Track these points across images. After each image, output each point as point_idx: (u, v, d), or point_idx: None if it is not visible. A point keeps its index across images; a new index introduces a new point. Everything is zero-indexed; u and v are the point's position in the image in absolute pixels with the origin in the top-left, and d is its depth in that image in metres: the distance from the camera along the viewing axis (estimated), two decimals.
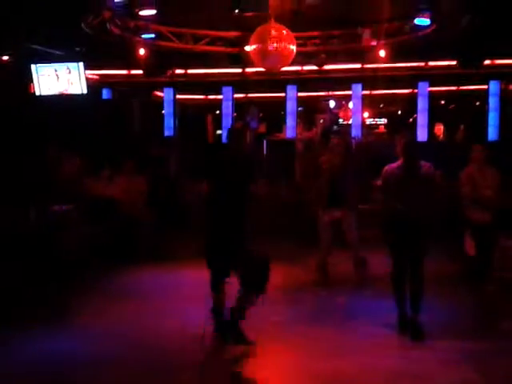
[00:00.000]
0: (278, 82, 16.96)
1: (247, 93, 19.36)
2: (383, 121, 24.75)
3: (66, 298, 6.94)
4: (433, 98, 17.83)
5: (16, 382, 4.73)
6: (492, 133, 16.76)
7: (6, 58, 17.72)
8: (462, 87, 18.53)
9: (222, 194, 5.53)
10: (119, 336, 5.75)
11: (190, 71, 16.88)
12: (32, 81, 15.05)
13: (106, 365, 5.03)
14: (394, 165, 5.97)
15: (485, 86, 17.18)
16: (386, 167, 6.03)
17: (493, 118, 16.93)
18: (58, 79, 14.81)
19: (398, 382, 4.69)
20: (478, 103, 20.08)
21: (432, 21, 11.80)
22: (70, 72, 14.58)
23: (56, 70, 14.77)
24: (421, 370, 4.87)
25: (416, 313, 5.72)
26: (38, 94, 15.04)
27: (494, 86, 16.97)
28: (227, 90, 17.85)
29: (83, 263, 7.96)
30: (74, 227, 7.90)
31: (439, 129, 20.97)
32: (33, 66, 14.89)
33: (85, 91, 14.50)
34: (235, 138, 5.78)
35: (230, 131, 5.95)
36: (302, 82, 17.22)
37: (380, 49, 13.47)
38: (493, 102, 16.99)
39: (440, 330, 5.81)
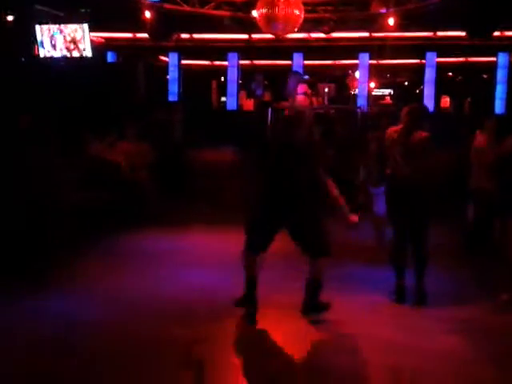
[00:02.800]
0: (285, 49, 16.79)
1: (253, 60, 19.20)
2: (389, 91, 24.61)
3: (67, 261, 6.95)
4: (440, 69, 17.67)
5: (16, 339, 4.76)
6: (499, 106, 16.63)
7: (10, 18, 17.58)
8: (470, 59, 18.35)
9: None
10: (120, 299, 5.78)
11: (195, 36, 16.70)
12: (36, 42, 14.92)
13: (106, 328, 5.05)
14: (394, 128, 5.90)
15: (493, 58, 17.00)
16: (388, 130, 5.96)
17: (500, 91, 16.79)
18: (63, 41, 14.68)
19: (392, 351, 4.71)
20: (485, 76, 19.91)
21: None
22: (74, 34, 14.45)
23: (61, 32, 14.64)
24: (414, 340, 4.90)
25: (420, 279, 5.75)
26: (42, 55, 14.93)
27: (502, 58, 16.80)
28: (233, 56, 17.70)
29: (83, 226, 7.94)
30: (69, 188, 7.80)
31: (446, 101, 20.84)
32: (37, 27, 14.75)
33: (89, 54, 14.39)
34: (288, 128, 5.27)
35: (280, 120, 5.62)
36: (309, 49, 17.05)
37: (389, 17, 13.28)
38: (501, 75, 16.83)
39: (437, 300, 5.82)
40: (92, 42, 14.53)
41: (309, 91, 6.56)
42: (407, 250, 5.84)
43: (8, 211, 6.76)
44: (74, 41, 14.59)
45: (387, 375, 4.43)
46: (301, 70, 17.21)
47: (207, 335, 4.89)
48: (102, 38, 16.79)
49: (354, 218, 5.25)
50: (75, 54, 14.52)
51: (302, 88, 6.50)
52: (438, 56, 17.08)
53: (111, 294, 5.89)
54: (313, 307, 5.28)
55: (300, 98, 6.38)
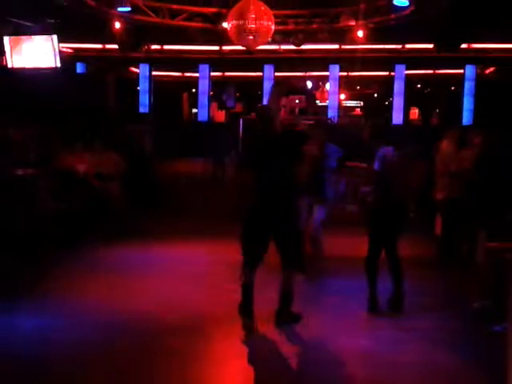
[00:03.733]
0: (256, 60, 16.85)
1: (224, 71, 19.23)
2: (359, 103, 24.83)
3: (32, 273, 6.79)
4: (409, 81, 17.90)
5: None
6: (467, 117, 16.89)
7: None
8: (438, 71, 18.63)
9: (267, 176, 5.23)
10: (88, 312, 5.67)
11: (166, 47, 16.66)
12: (4, 53, 14.72)
13: (81, 345, 4.95)
14: (390, 150, 5.93)
15: (461, 71, 17.28)
16: (385, 153, 5.96)
17: (468, 103, 17.06)
18: (31, 52, 14.51)
19: (366, 363, 4.70)
20: (453, 88, 20.22)
21: (410, 2, 11.78)
22: (43, 45, 14.29)
23: (29, 43, 14.47)
24: (390, 351, 4.89)
25: (398, 286, 5.84)
26: (9, 66, 14.72)
27: (469, 71, 17.09)
28: (204, 67, 17.70)
29: (48, 238, 7.78)
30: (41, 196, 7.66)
31: (414, 112, 21.10)
32: (5, 38, 14.54)
33: (58, 64, 14.22)
34: (267, 118, 5.55)
35: (260, 111, 5.75)
36: (280, 61, 17.14)
37: (358, 29, 13.43)
38: (468, 87, 17.12)
39: (411, 310, 5.85)
40: (61, 52, 14.38)
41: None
42: (378, 262, 5.92)
43: None
44: (43, 52, 14.42)
45: None
46: (272, 82, 17.31)
47: (185, 348, 4.83)
48: (71, 48, 16.66)
49: None
50: (44, 64, 14.34)
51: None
52: (407, 68, 17.31)
53: (82, 309, 5.77)
54: (284, 318, 5.29)
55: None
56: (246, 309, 5.23)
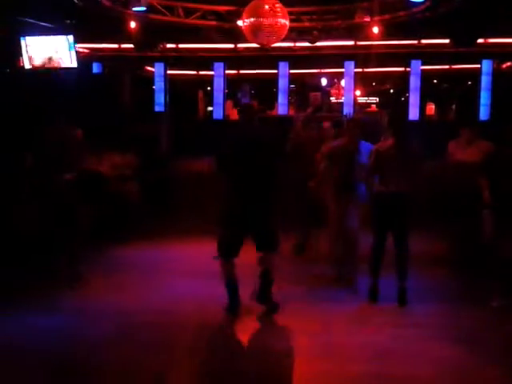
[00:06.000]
0: (271, 58, 16.82)
1: (239, 69, 19.21)
2: (375, 99, 24.71)
3: (54, 273, 6.88)
4: (425, 76, 17.77)
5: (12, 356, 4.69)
6: (484, 112, 16.74)
7: None
8: (454, 66, 18.48)
9: (244, 176, 5.44)
10: (112, 313, 5.73)
11: (181, 46, 16.69)
12: (21, 54, 14.84)
13: (98, 340, 5.01)
14: (385, 143, 6.02)
15: (477, 65, 17.12)
16: (377, 146, 6.08)
17: (485, 98, 16.90)
18: (48, 52, 14.62)
19: (383, 359, 4.70)
20: (470, 83, 20.05)
21: None
22: (60, 45, 14.39)
23: (45, 43, 14.58)
24: (406, 348, 4.89)
25: (403, 280, 5.89)
26: (27, 67, 14.85)
27: (486, 65, 16.91)
28: (219, 65, 17.69)
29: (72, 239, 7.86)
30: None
31: (431, 108, 20.95)
32: (22, 39, 14.68)
33: (75, 65, 14.33)
34: (247, 116, 5.69)
35: (241, 109, 5.90)
36: (295, 58, 17.10)
37: (373, 25, 13.37)
38: (485, 82, 16.94)
39: (428, 306, 5.85)
40: (77, 52, 14.47)
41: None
42: (384, 253, 5.99)
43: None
44: (59, 52, 14.52)
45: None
46: (287, 79, 17.29)
47: (204, 344, 4.88)
48: (87, 49, 16.75)
49: None
50: (60, 65, 14.45)
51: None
52: (423, 64, 17.18)
53: (103, 308, 5.83)
54: (264, 299, 5.50)
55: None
56: (233, 305, 5.46)
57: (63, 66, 14.37)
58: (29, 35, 14.62)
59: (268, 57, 16.59)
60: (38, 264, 6.86)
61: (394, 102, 20.43)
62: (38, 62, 14.65)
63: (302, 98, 19.62)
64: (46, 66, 14.56)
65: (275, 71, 17.56)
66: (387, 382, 4.36)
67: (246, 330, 5.33)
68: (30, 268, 6.80)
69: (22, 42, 14.66)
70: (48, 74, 14.53)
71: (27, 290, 6.25)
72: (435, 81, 21.96)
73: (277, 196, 5.68)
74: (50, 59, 14.61)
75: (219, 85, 17.83)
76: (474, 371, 4.47)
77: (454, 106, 20.57)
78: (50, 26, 15.08)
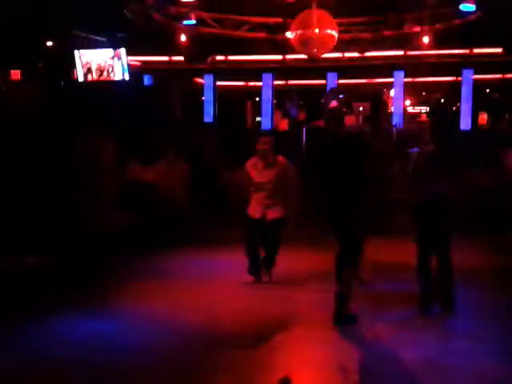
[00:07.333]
0: (319, 68, 16.82)
1: (287, 80, 19.28)
2: (425, 109, 24.39)
3: (105, 282, 7.02)
4: (477, 86, 17.47)
5: (53, 365, 4.77)
6: None
7: (49, 43, 18.01)
8: (507, 75, 18.11)
9: (333, 177, 5.54)
10: (157, 321, 5.80)
11: (230, 58, 16.88)
12: (75, 67, 15.25)
13: (144, 349, 5.07)
14: (425, 149, 5.91)
15: None
16: (416, 152, 5.97)
17: None
18: (101, 65, 14.99)
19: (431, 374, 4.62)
20: None
21: (477, 7, 11.53)
22: (112, 58, 14.74)
23: (98, 56, 14.95)
24: (453, 362, 4.79)
25: (449, 288, 5.76)
26: (80, 80, 15.24)
27: None
28: (267, 76, 17.80)
29: (121, 247, 8.02)
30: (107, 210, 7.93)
31: (483, 118, 20.57)
32: (76, 52, 15.08)
33: (127, 77, 14.64)
34: (338, 120, 5.77)
35: (328, 113, 5.98)
36: (343, 69, 17.06)
37: (423, 35, 13.23)
38: None
39: (483, 320, 5.72)
40: (129, 65, 14.78)
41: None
42: (431, 262, 5.85)
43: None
44: (111, 65, 14.87)
45: None
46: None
47: (261, 357, 4.87)
48: (138, 61, 17.10)
49: None
50: (113, 77, 14.79)
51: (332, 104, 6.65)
52: (475, 73, 16.91)
53: (157, 318, 5.88)
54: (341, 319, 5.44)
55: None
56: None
57: (115, 78, 14.69)
58: (82, 49, 15.01)
59: (316, 67, 16.59)
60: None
61: (438, 111, 20.11)
62: (90, 75, 15.02)
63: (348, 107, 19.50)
64: (99, 78, 14.92)
65: (324, 82, 17.55)
66: None
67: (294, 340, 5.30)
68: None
69: (76, 56, 15.06)
70: (100, 86, 14.88)
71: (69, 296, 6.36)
72: (487, 90, 21.54)
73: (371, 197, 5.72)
74: (102, 72, 14.97)
75: (267, 95, 17.93)
76: None
77: (507, 116, 20.16)
78: (102, 39, 15.47)
